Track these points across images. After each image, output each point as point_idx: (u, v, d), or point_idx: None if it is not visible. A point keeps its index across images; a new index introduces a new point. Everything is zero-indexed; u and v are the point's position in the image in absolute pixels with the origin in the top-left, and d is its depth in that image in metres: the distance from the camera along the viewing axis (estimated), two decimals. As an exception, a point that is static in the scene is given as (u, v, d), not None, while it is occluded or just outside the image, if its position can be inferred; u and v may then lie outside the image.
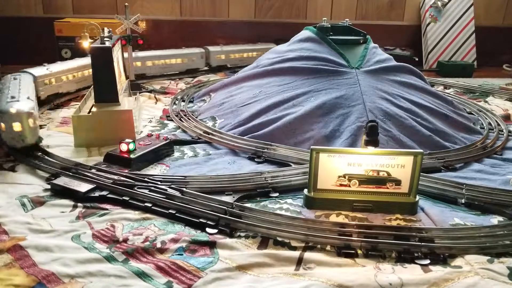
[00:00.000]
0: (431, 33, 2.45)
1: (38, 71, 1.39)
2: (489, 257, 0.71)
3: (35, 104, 1.12)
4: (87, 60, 1.54)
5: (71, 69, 1.51)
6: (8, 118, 0.98)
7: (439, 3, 2.42)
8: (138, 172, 0.99)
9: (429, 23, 2.46)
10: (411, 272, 0.68)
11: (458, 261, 0.71)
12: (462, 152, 1.15)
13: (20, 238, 0.73)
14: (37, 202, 0.86)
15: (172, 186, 0.89)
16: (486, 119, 1.47)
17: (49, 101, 1.45)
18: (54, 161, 1.02)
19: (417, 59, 2.38)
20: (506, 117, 1.54)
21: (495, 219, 0.85)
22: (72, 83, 1.52)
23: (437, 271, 0.68)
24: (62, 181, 0.91)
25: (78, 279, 0.64)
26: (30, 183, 0.94)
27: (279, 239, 0.75)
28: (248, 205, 0.86)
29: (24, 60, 2.12)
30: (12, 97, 1.06)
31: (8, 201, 0.86)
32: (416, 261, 0.70)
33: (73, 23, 1.93)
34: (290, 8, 2.40)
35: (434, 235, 0.75)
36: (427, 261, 0.70)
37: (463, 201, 0.90)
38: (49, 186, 0.91)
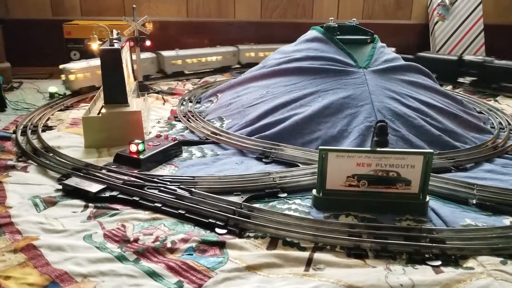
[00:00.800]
0: (439, 31, 2.43)
1: (167, 53, 1.94)
2: (502, 259, 0.71)
3: (89, 66, 1.62)
4: (210, 50, 2.09)
5: (196, 55, 2.03)
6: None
7: (447, 2, 2.40)
8: (148, 173, 0.99)
9: (437, 22, 2.43)
10: (422, 273, 0.68)
11: (470, 263, 0.70)
12: (472, 152, 1.14)
13: (33, 238, 0.74)
14: (49, 202, 0.87)
15: (181, 186, 0.90)
16: (497, 118, 1.46)
17: (174, 76, 1.99)
18: (65, 161, 1.03)
19: None
20: (516, 116, 1.52)
21: (507, 220, 0.84)
22: (195, 65, 2.03)
23: (449, 272, 0.67)
24: (73, 181, 0.92)
25: (90, 279, 0.64)
26: (42, 184, 0.95)
27: (288, 239, 0.75)
28: (256, 205, 0.86)
29: (33, 62, 2.15)
30: (78, 60, 1.69)
31: (21, 201, 0.87)
32: (427, 262, 0.70)
33: (81, 25, 1.95)
34: (295, 8, 2.40)
35: (445, 236, 0.75)
36: (439, 262, 0.70)
37: (474, 201, 0.89)
38: (60, 187, 0.92)
